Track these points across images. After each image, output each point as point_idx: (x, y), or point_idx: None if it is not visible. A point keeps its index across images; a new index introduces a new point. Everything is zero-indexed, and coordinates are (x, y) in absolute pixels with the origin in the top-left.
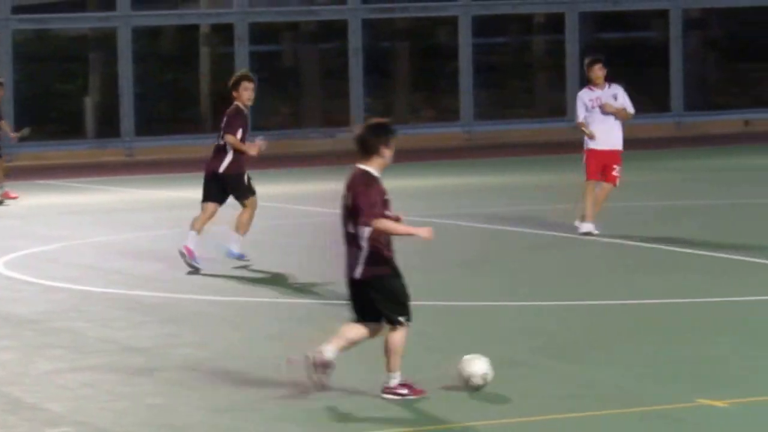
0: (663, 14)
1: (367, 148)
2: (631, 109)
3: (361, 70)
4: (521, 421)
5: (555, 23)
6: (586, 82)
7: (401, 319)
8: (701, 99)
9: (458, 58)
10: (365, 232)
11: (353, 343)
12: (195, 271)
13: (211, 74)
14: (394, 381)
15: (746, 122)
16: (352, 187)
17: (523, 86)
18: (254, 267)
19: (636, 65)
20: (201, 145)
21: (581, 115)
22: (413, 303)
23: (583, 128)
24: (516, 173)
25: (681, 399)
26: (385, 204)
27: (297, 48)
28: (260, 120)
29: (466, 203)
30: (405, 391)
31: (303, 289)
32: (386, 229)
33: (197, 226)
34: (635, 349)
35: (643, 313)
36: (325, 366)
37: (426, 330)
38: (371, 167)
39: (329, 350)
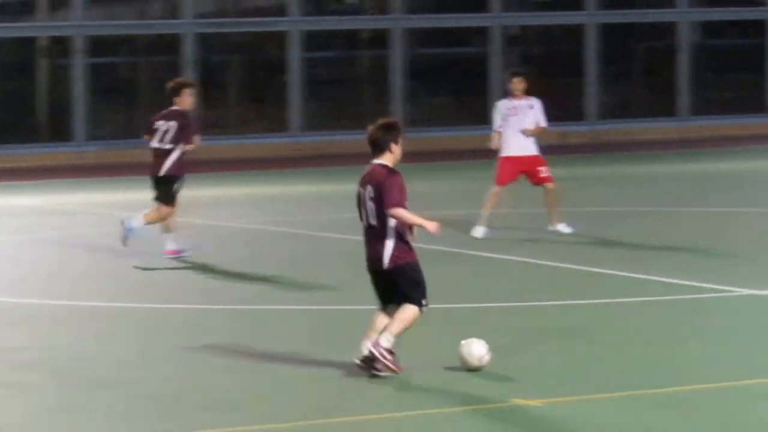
0: (483, 31)
1: (379, 146)
2: (543, 123)
3: (193, 83)
4: (325, 423)
5: (381, 38)
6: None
7: (424, 302)
8: None
9: (288, 71)
10: (392, 222)
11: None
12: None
13: (49, 85)
14: (387, 342)
15: (563, 135)
16: (374, 181)
17: (349, 99)
18: (88, 273)
19: (458, 80)
20: (38, 154)
21: (497, 123)
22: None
23: (494, 137)
24: (341, 182)
25: (497, 399)
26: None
27: (133, 60)
28: (95, 129)
29: (294, 211)
30: (390, 357)
31: (135, 293)
32: (401, 217)
33: (170, 227)
34: (451, 351)
35: (459, 316)
36: (371, 360)
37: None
38: (386, 162)
39: (366, 346)
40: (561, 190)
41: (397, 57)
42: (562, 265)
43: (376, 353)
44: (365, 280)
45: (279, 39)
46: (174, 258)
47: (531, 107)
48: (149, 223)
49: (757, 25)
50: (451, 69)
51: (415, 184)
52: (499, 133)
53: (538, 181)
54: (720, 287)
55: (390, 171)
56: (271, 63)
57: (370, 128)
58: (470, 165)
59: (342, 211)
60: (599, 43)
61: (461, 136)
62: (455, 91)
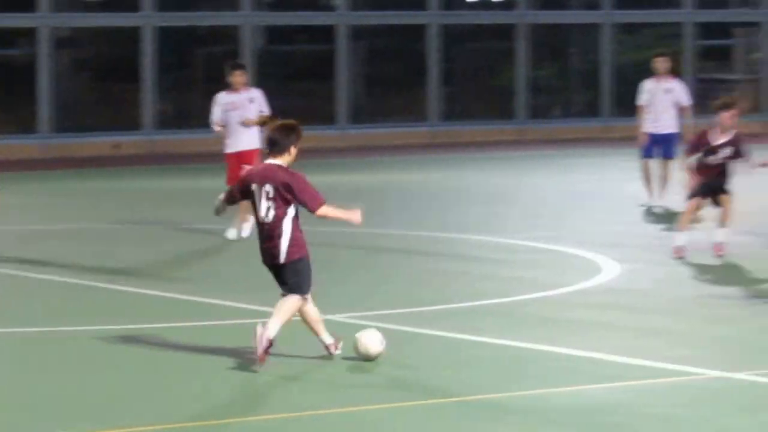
0: (31, 32)
1: (278, 146)
2: (266, 112)
3: None
4: None
5: None
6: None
7: (308, 291)
8: (71, 120)
9: None
10: (287, 219)
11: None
12: None
13: None
14: (273, 332)
15: (116, 145)
16: (275, 181)
17: None
18: None
19: (1, 84)
20: None
21: (216, 116)
22: None
23: (216, 128)
24: None
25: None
26: None
27: None
28: None
29: None
30: (266, 347)
31: None
32: (328, 216)
33: None
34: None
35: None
36: (270, 344)
37: None
38: (282, 164)
39: (273, 328)
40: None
41: None
42: (104, 285)
43: (261, 338)
44: None
45: None
46: None
47: (251, 100)
48: None
49: (326, 30)
50: None
51: None
52: (223, 126)
53: None
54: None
55: (291, 172)
56: None
57: (269, 128)
58: (17, 176)
59: None
60: (157, 47)
61: (7, 145)
62: None
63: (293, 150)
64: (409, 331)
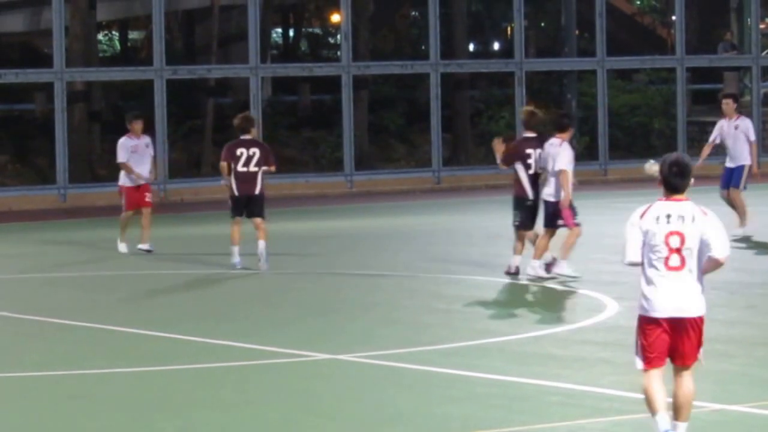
0: (46, 87)
1: None
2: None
3: None
4: None
5: None
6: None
7: None
8: (86, 171)
9: None
10: None
11: None
12: None
13: None
14: None
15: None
16: None
17: None
18: None
19: (20, 138)
20: None
21: (124, 157)
22: None
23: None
24: None
25: None
26: None
27: None
28: None
29: None
30: None
31: None
32: None
33: None
34: None
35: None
36: None
37: None
38: None
39: None
40: None
41: None
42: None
43: None
44: None
45: None
46: None
47: (147, 145)
48: None
49: (330, 80)
50: (13, 126)
51: None
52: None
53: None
54: (293, 351)
55: None
56: None
57: None
58: (34, 225)
59: None
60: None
61: (27, 195)
62: (18, 150)
63: None
64: (417, 369)
